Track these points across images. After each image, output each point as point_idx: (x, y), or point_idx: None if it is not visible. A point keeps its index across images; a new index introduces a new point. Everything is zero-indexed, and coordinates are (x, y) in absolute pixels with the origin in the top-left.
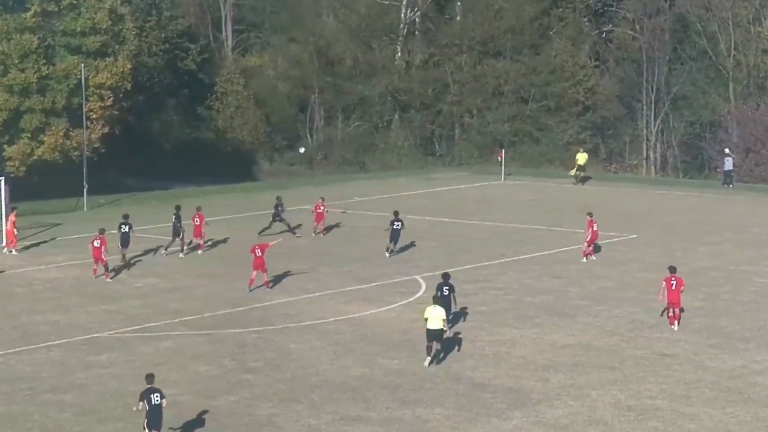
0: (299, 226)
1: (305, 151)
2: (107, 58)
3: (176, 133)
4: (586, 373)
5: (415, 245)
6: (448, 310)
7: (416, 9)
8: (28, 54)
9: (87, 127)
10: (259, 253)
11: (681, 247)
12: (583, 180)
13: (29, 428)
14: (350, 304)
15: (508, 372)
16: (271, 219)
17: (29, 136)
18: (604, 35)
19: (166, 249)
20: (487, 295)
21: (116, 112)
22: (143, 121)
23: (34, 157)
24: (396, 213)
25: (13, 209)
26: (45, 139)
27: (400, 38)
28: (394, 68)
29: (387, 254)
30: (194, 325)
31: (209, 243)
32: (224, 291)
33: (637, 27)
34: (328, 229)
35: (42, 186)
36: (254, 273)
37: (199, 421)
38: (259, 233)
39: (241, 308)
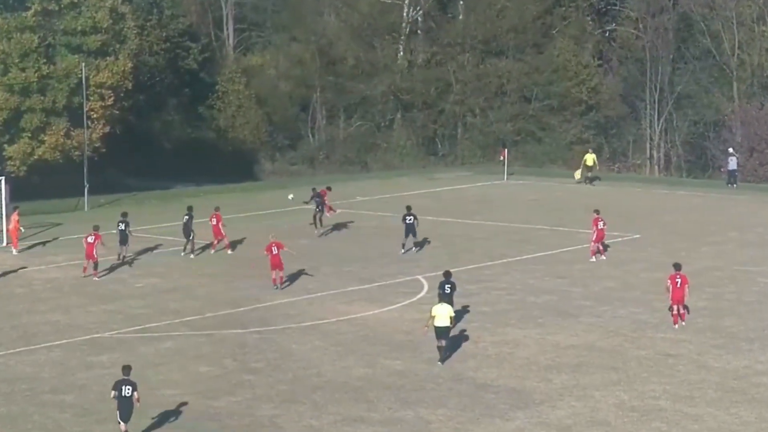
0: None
1: (293, 198)
2: (108, 58)
3: (177, 132)
4: (589, 373)
5: (416, 245)
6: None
7: (418, 8)
8: (28, 53)
9: (88, 127)
10: (275, 250)
11: (684, 247)
12: (592, 180)
13: (29, 429)
14: (352, 305)
15: (510, 372)
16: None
17: (30, 135)
18: (607, 34)
19: (184, 251)
20: (489, 296)
21: (117, 112)
22: (144, 121)
23: (35, 157)
24: (408, 208)
25: (15, 208)
26: (45, 138)
27: (402, 37)
28: (397, 67)
29: (401, 251)
30: (195, 325)
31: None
32: (225, 291)
33: (641, 26)
34: (330, 229)
35: (42, 186)
36: (274, 272)
37: (201, 422)
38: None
39: (242, 308)
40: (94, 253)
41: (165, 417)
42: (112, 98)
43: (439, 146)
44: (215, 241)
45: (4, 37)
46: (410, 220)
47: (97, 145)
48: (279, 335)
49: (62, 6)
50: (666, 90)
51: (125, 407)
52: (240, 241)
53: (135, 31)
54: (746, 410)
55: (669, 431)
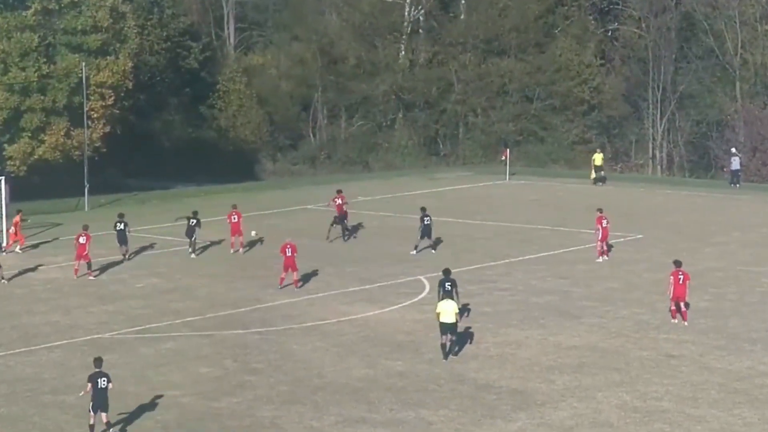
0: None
1: (256, 234)
2: (108, 57)
3: (178, 132)
4: (591, 374)
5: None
6: None
7: (420, 7)
8: (28, 52)
9: (88, 127)
10: (290, 252)
11: (687, 248)
12: (602, 180)
13: (30, 430)
14: (353, 305)
15: (512, 373)
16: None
17: (30, 135)
18: (609, 34)
19: (193, 251)
20: (491, 296)
21: (117, 112)
22: (145, 121)
23: (35, 157)
24: (423, 209)
25: (18, 212)
26: (46, 138)
27: (403, 37)
28: (398, 67)
29: (413, 252)
30: (196, 326)
31: (208, 244)
32: (226, 292)
33: (643, 25)
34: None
35: (42, 185)
36: (285, 272)
37: (201, 422)
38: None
39: (243, 309)
40: (87, 253)
41: (166, 418)
42: (112, 98)
43: (441, 146)
44: (241, 239)
45: (4, 37)
46: (428, 221)
47: (97, 145)
48: (280, 336)
49: (62, 5)
50: (669, 89)
51: (101, 398)
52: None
53: (135, 31)
54: (749, 411)
55: None
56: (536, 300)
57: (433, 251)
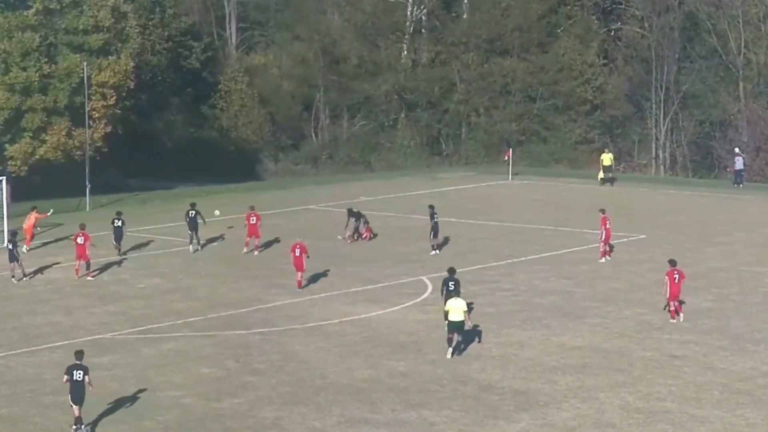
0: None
1: (219, 214)
2: (110, 57)
3: (179, 132)
4: (594, 375)
5: (420, 246)
6: None
7: (423, 7)
8: (29, 52)
9: (89, 126)
10: (298, 252)
11: (690, 248)
12: (611, 181)
13: (31, 430)
14: (355, 306)
15: (515, 374)
16: (354, 220)
17: (31, 135)
18: (612, 33)
19: (199, 245)
20: (494, 296)
21: (119, 111)
22: (146, 121)
23: (36, 157)
24: (432, 207)
25: (33, 208)
26: (47, 138)
27: (406, 36)
28: (400, 67)
29: (433, 252)
30: (197, 326)
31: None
32: (228, 292)
33: (646, 25)
34: (333, 229)
35: (44, 186)
36: (299, 274)
37: (203, 423)
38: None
39: (244, 309)
40: (87, 253)
41: (167, 418)
42: (113, 98)
43: (443, 146)
44: (255, 240)
45: (5, 36)
46: (437, 218)
47: (98, 145)
48: (282, 336)
49: (64, 5)
50: (672, 89)
51: (78, 391)
52: (242, 242)
53: (137, 30)
54: (753, 412)
55: None
56: (539, 300)
57: (434, 251)
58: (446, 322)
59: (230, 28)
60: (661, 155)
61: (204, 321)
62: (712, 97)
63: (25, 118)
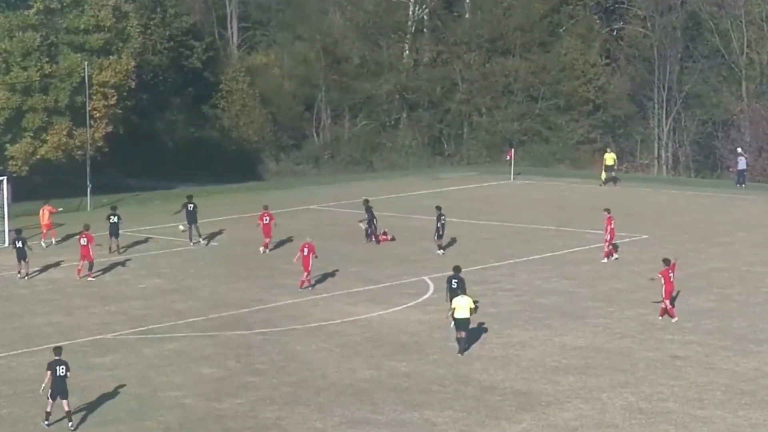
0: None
1: (183, 230)
2: (111, 56)
3: (181, 132)
4: (596, 375)
5: (422, 246)
6: None
7: (424, 6)
8: (30, 52)
9: (90, 126)
10: (306, 252)
11: (693, 248)
12: (614, 181)
13: (31, 431)
14: (357, 306)
15: (517, 374)
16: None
17: (32, 135)
18: (615, 33)
19: (200, 237)
20: (496, 297)
21: (120, 111)
22: (147, 120)
23: (37, 157)
24: (439, 208)
25: (45, 203)
26: (48, 138)
27: (408, 36)
28: (402, 66)
29: (441, 252)
30: (199, 326)
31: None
32: (229, 292)
33: (649, 24)
34: (335, 229)
35: (45, 185)
36: (304, 273)
37: (204, 424)
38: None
39: (246, 310)
40: (90, 253)
41: (168, 419)
42: (114, 97)
43: (445, 146)
44: (267, 241)
45: (6, 36)
46: (444, 219)
47: (99, 145)
48: (283, 336)
49: (65, 4)
50: (674, 89)
51: (60, 385)
52: (243, 242)
53: (138, 30)
54: (755, 412)
55: None
56: (541, 301)
57: (442, 252)
58: (452, 319)
59: (231, 27)
60: (663, 155)
61: (205, 321)
62: (714, 97)
63: (25, 117)
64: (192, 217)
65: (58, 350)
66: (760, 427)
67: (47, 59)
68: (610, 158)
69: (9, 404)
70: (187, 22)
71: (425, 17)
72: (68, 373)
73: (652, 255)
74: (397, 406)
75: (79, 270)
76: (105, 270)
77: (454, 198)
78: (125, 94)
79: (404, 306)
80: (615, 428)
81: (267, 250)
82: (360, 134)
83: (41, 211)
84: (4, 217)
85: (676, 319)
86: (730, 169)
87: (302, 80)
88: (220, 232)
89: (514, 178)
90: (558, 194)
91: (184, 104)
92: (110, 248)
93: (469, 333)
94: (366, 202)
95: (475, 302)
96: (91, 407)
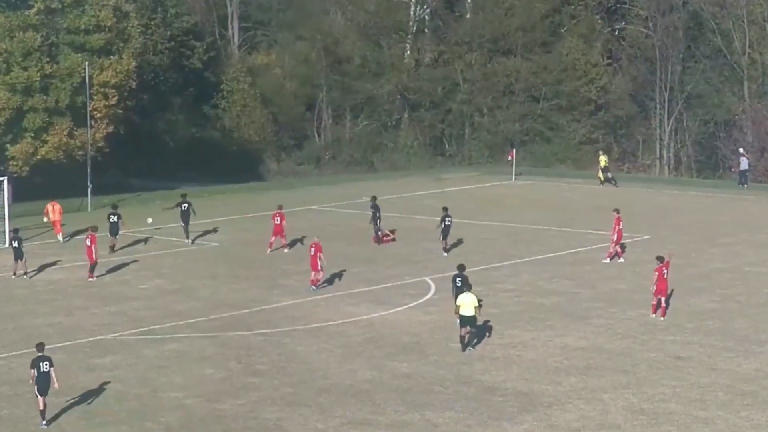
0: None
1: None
2: (112, 56)
3: (182, 132)
4: (598, 376)
5: (424, 246)
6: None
7: (426, 6)
8: (31, 52)
9: (91, 126)
10: (312, 251)
11: (695, 248)
12: (610, 181)
13: (32, 431)
14: (358, 306)
15: (518, 375)
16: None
17: (32, 135)
18: (616, 33)
19: (190, 239)
20: (498, 297)
21: (121, 111)
22: (148, 121)
23: (38, 157)
24: (445, 209)
25: (50, 201)
26: (48, 138)
27: (409, 36)
28: (404, 66)
29: (445, 254)
30: (199, 327)
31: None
32: (230, 293)
33: (651, 24)
34: (336, 229)
35: (45, 186)
36: (312, 273)
37: (205, 424)
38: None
39: (246, 310)
40: (93, 255)
41: (169, 420)
42: (115, 97)
43: (447, 146)
44: (279, 239)
45: (6, 36)
46: (449, 221)
47: (100, 145)
48: (284, 337)
49: (65, 4)
50: (676, 89)
51: (43, 382)
52: (245, 242)
53: (139, 30)
54: (757, 413)
55: None
56: (543, 301)
57: (444, 254)
58: (458, 317)
59: (232, 27)
60: (665, 155)
61: (206, 322)
62: (716, 97)
63: (26, 118)
64: (185, 217)
65: (40, 347)
66: (762, 427)
67: (48, 59)
68: (603, 160)
69: (9, 405)
70: (187, 22)
71: (426, 17)
72: (52, 370)
73: (653, 255)
74: (399, 406)
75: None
76: (109, 270)
77: (455, 198)
78: (126, 94)
79: (405, 307)
80: (617, 429)
81: (269, 250)
82: (361, 134)
83: (51, 207)
84: (4, 218)
85: (663, 318)
86: (732, 170)
87: (303, 80)
88: (215, 231)
89: (515, 179)
90: (560, 195)
91: (185, 104)
92: (112, 247)
93: (476, 330)
94: (373, 199)
95: (479, 301)
96: (91, 408)
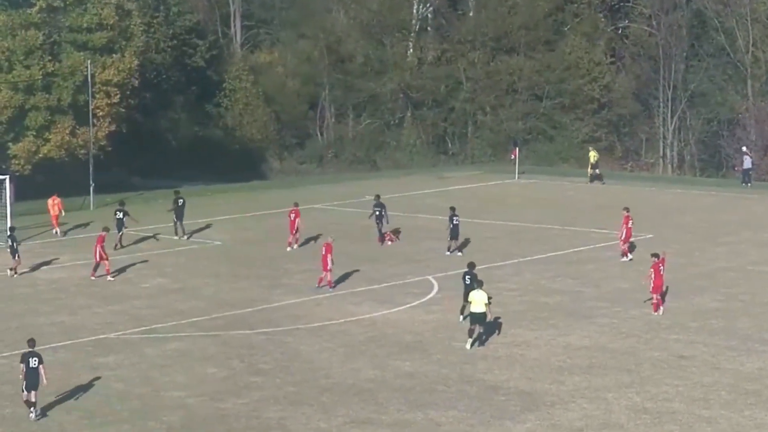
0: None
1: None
2: (114, 55)
3: (184, 130)
4: (601, 375)
5: (427, 245)
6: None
7: (429, 4)
8: (33, 50)
9: (93, 125)
10: (323, 250)
11: (698, 247)
12: (599, 178)
13: (34, 430)
14: (361, 305)
15: (521, 374)
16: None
17: (34, 133)
18: (620, 31)
19: (185, 235)
20: (501, 296)
21: (123, 110)
22: (150, 119)
23: (40, 155)
24: (453, 209)
25: (52, 196)
26: (50, 136)
27: (412, 34)
28: (406, 65)
29: (449, 252)
30: (202, 326)
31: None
32: (232, 291)
33: (654, 23)
34: (339, 228)
35: (47, 184)
36: (323, 273)
37: (207, 424)
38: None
39: (249, 309)
40: (96, 254)
41: (171, 419)
42: (118, 96)
43: (450, 145)
44: (295, 236)
45: (8, 34)
46: (457, 221)
47: (102, 144)
48: (287, 336)
49: (67, 3)
50: (679, 88)
51: (32, 377)
52: (247, 241)
53: (141, 28)
54: (761, 412)
55: None
56: (546, 300)
57: (459, 253)
58: (468, 313)
59: (235, 26)
60: (668, 154)
61: (208, 321)
62: (719, 96)
63: (28, 116)
64: (179, 213)
65: (31, 342)
66: (766, 427)
67: (50, 58)
68: (592, 156)
69: (12, 404)
70: (190, 21)
71: (429, 15)
72: (41, 366)
73: None
74: (401, 405)
75: (108, 270)
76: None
77: (458, 197)
78: (128, 92)
79: (408, 306)
80: (620, 428)
81: (290, 247)
82: (364, 133)
83: (51, 201)
84: (7, 216)
85: (657, 313)
86: (736, 168)
87: (306, 79)
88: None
89: (518, 177)
90: (563, 193)
91: (187, 103)
92: (118, 244)
93: (485, 328)
94: (377, 197)
95: (489, 298)
96: (94, 407)
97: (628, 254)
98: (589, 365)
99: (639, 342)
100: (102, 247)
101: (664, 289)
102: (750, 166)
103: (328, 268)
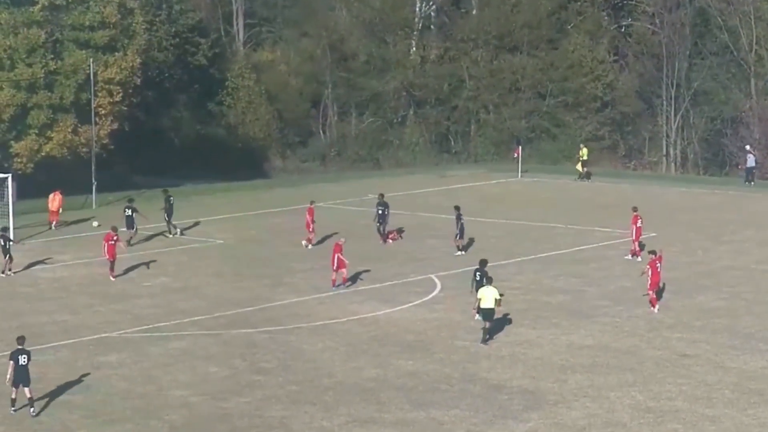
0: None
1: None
2: (116, 53)
3: (186, 129)
4: (604, 374)
5: (430, 244)
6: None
7: (431, 3)
8: (35, 49)
9: (95, 123)
10: (333, 251)
11: (701, 246)
12: (587, 176)
13: (36, 430)
14: (363, 304)
15: (524, 373)
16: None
17: (37, 132)
18: (623, 29)
19: (177, 230)
20: (503, 295)
21: (125, 108)
22: (153, 117)
23: (42, 154)
24: (458, 207)
25: (55, 192)
26: (53, 135)
27: (414, 33)
28: (409, 63)
29: (458, 252)
30: (204, 325)
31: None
32: (234, 290)
33: (657, 21)
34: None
35: (50, 183)
36: (335, 273)
37: (209, 422)
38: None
39: (251, 308)
40: (105, 252)
41: (173, 418)
42: (120, 94)
43: (452, 143)
44: (309, 236)
45: (10, 33)
46: (463, 220)
47: (105, 142)
48: (289, 335)
49: (70, 1)
50: (683, 86)
51: (22, 374)
52: (248, 240)
53: (144, 27)
54: (764, 411)
55: None
56: (548, 299)
57: (462, 252)
58: (479, 310)
59: (237, 24)
60: (671, 153)
61: (210, 320)
62: (723, 94)
63: (30, 115)
64: (170, 210)
65: (20, 340)
66: None
67: (52, 56)
68: (584, 152)
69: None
70: (192, 19)
71: (432, 14)
72: (29, 363)
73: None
74: (404, 404)
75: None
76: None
77: (461, 196)
78: (130, 91)
79: (411, 304)
80: (623, 427)
81: (309, 245)
82: (367, 131)
83: (52, 196)
84: (9, 215)
85: (653, 309)
86: (739, 167)
87: (308, 77)
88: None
89: (521, 176)
90: (566, 192)
91: (189, 101)
92: (129, 240)
93: (493, 324)
94: (381, 196)
95: (500, 294)
96: (96, 406)
97: (639, 254)
98: (592, 364)
99: (642, 341)
100: (110, 245)
101: (660, 285)
102: (753, 164)
103: (344, 265)
